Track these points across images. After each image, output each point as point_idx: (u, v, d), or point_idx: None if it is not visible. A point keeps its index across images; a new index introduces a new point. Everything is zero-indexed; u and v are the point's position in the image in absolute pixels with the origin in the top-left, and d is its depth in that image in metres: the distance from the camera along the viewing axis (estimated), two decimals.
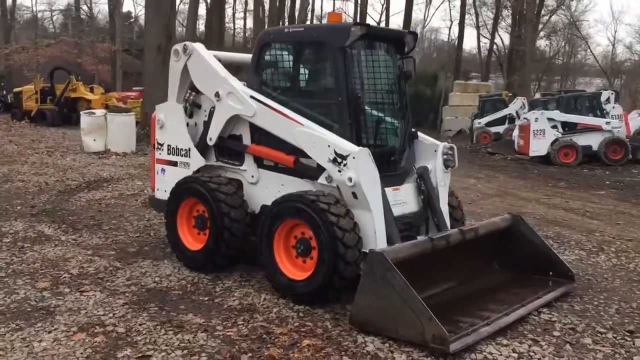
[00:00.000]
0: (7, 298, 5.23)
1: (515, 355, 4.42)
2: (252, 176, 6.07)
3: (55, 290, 5.42)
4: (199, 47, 6.36)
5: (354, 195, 5.23)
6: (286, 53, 5.95)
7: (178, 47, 6.47)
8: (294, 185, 5.71)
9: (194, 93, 6.43)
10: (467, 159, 19.43)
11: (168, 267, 6.16)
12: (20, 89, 25.63)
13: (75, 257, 6.41)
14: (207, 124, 6.30)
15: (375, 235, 5.22)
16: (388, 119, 6.01)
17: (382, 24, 57.92)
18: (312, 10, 52.54)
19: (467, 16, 49.34)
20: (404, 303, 4.42)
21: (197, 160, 6.37)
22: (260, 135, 5.93)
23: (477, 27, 51.26)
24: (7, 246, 6.74)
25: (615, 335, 4.86)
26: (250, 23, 51.96)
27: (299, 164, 5.63)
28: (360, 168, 5.16)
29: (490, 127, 25.91)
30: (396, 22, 61.71)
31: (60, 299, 5.21)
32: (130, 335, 4.52)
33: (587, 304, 5.56)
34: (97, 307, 5.04)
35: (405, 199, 5.83)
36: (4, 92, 31.45)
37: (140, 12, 52.81)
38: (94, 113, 15.40)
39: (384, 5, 57.30)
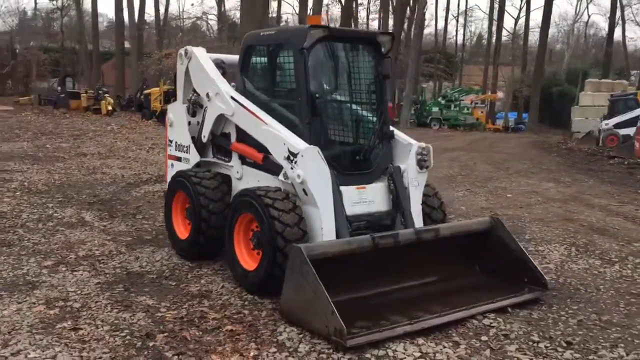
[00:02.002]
0: (11, 272, 6.01)
1: (419, 354, 4.42)
2: (237, 172, 6.44)
3: (53, 269, 6.14)
4: (197, 50, 6.83)
5: (304, 191, 5.42)
6: (263, 55, 6.26)
7: (182, 51, 6.99)
8: (267, 181, 6.00)
9: (195, 94, 6.91)
10: (571, 161, 18.42)
11: (163, 254, 6.70)
12: (149, 90, 28.03)
13: (92, 241, 7.15)
14: (201, 123, 6.76)
15: (322, 231, 5.38)
16: (355, 118, 6.10)
17: (522, 20, 55.78)
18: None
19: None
20: (314, 296, 4.58)
21: (194, 156, 6.86)
22: (240, 133, 6.28)
23: (623, 21, 47.74)
24: (45, 229, 7.66)
25: (548, 345, 4.66)
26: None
27: (267, 160, 5.91)
28: (307, 166, 5.35)
29: (619, 129, 24.19)
30: (535, 18, 58.62)
31: (51, 276, 5.90)
32: (80, 310, 5.07)
33: (550, 312, 5.33)
34: (73, 285, 5.66)
35: (372, 198, 5.90)
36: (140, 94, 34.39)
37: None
38: None
39: (524, 0, 55.16)
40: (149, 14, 53.82)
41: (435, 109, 39.70)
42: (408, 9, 41.06)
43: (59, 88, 34.74)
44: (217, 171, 6.64)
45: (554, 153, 21.37)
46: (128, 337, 4.57)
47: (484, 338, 4.74)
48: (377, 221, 5.85)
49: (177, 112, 7.14)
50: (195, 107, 6.93)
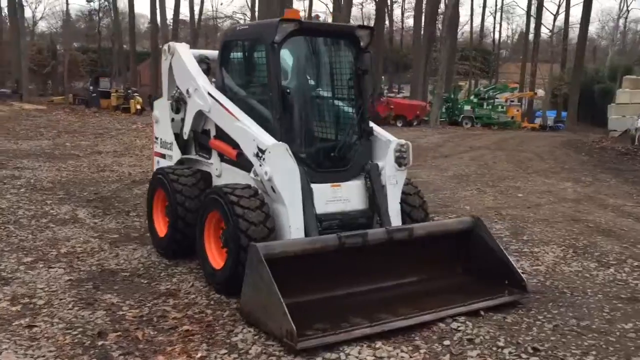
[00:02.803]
0: None
1: (372, 358, 4.25)
2: (216, 169, 6.35)
3: (31, 265, 6.13)
4: (180, 46, 6.77)
5: (273, 189, 5.29)
6: (239, 50, 6.14)
7: (165, 46, 6.94)
8: (243, 178, 5.88)
9: (178, 90, 6.84)
10: (598, 161, 17.84)
11: (144, 252, 6.64)
12: None
13: (77, 238, 7.15)
14: (183, 119, 6.69)
15: (289, 229, 5.25)
16: (331, 114, 5.94)
17: (561, 16, 54.31)
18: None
19: None
20: (269, 297, 4.44)
21: (177, 153, 6.80)
22: (218, 130, 6.19)
23: None
24: (36, 226, 7.70)
25: (513, 351, 4.44)
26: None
27: (240, 157, 5.80)
28: (274, 162, 5.22)
29: None
30: (575, 14, 57.12)
31: (26, 273, 5.89)
32: (42, 308, 5.03)
33: (527, 317, 5.09)
34: (43, 282, 5.63)
35: (347, 196, 5.73)
36: None
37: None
38: None
39: None
40: (184, 14, 54.51)
41: (467, 107, 38.95)
42: (442, 5, 40.48)
43: (91, 87, 35.40)
44: (198, 168, 6.57)
45: (583, 152, 20.74)
46: (79, 335, 4.51)
47: (446, 342, 4.54)
48: (352, 220, 5.69)
49: (162, 108, 7.09)
50: (178, 103, 6.86)
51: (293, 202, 5.26)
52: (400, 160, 5.87)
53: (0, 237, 7.13)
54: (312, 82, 6.02)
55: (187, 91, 6.41)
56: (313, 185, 5.50)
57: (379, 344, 4.46)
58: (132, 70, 49.61)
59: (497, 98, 41.29)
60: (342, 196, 5.71)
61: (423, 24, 41.31)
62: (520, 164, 16.23)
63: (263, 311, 4.57)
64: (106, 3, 55.84)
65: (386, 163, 5.85)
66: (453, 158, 16.87)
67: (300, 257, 4.92)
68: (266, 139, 5.34)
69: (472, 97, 42.13)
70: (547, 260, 6.77)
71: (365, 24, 48.12)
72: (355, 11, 58.56)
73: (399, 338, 4.58)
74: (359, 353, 4.32)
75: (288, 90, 5.55)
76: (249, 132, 5.50)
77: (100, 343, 4.38)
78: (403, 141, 5.96)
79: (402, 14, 62.88)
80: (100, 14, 58.48)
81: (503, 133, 32.59)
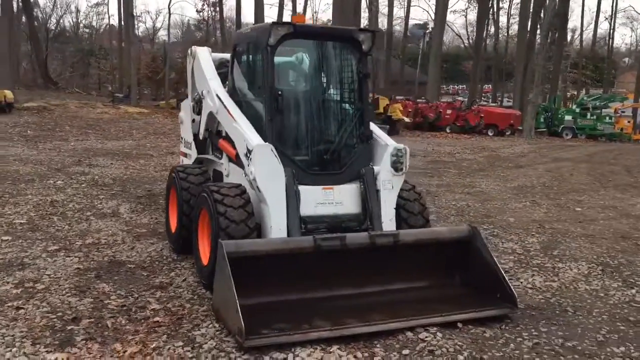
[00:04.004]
0: (15, 254, 6.49)
1: None
2: (225, 169, 6.52)
3: (52, 253, 6.56)
4: (200, 50, 7.01)
5: (258, 188, 5.37)
6: (244, 53, 6.28)
7: (189, 50, 7.21)
8: (243, 178, 6.01)
9: (199, 92, 7.09)
10: None
11: (159, 246, 6.91)
12: None
13: (107, 230, 7.56)
14: (199, 120, 6.92)
15: (271, 229, 5.30)
16: (326, 117, 5.93)
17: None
18: None
19: None
20: (228, 294, 4.52)
21: (194, 153, 7.04)
22: (225, 130, 6.35)
23: None
24: (78, 218, 8.21)
25: None
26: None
27: (238, 158, 5.92)
28: (259, 162, 5.31)
29: None
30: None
31: (44, 260, 6.31)
32: (39, 292, 5.38)
33: (509, 332, 4.85)
34: (54, 269, 6.01)
35: (340, 199, 5.71)
36: None
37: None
38: None
39: None
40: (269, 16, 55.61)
41: (568, 117, 36.99)
42: (542, 12, 38.85)
43: None
44: (214, 168, 6.77)
45: None
46: (55, 319, 4.78)
47: (405, 352, 4.42)
48: (341, 223, 5.64)
49: (185, 110, 7.37)
50: (199, 105, 7.11)
51: (275, 202, 5.32)
52: (396, 165, 5.77)
53: (41, 226, 7.68)
54: (308, 85, 6.04)
55: (202, 93, 6.63)
56: (303, 187, 5.53)
57: (334, 347, 4.42)
58: None
59: (604, 108, 39.03)
60: (334, 199, 5.68)
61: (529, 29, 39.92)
62: (600, 177, 15.28)
63: (224, 308, 4.66)
64: (214, 13, 58.08)
65: (382, 167, 5.76)
66: (527, 169, 16.17)
67: (274, 257, 4.96)
68: (253, 139, 5.43)
69: (574, 107, 40.08)
70: (566, 276, 6.38)
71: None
72: (453, 17, 57.21)
73: (360, 344, 4.51)
74: (308, 355, 4.30)
75: (279, 92, 5.61)
76: (241, 132, 5.62)
77: (69, 328, 4.63)
78: (401, 146, 5.85)
79: (508, 20, 60.89)
80: (207, 23, 60.93)
81: (604, 145, 30.77)
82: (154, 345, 4.38)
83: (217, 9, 52.13)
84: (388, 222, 5.68)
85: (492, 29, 59.83)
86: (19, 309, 4.98)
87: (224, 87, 6.56)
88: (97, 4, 64.27)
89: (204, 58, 6.86)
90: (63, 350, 4.27)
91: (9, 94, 26.49)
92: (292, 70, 6.16)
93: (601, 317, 5.28)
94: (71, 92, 44.68)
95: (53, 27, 62.76)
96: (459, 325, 4.88)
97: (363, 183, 5.72)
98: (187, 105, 7.32)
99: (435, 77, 38.17)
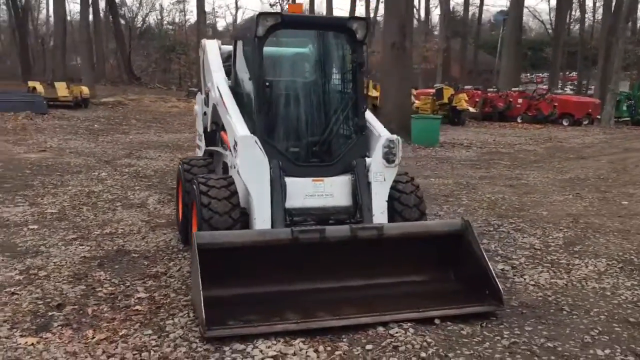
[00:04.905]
0: (34, 242, 6.80)
1: (274, 353, 4.18)
2: (230, 161, 6.57)
3: (68, 242, 6.84)
4: (209, 43, 7.10)
5: (242, 180, 5.39)
6: (241, 45, 6.28)
7: (200, 43, 7.31)
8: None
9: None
10: None
11: (169, 237, 7.07)
12: None
13: (127, 220, 7.81)
14: (208, 113, 7.01)
15: (255, 221, 5.31)
16: (318, 108, 5.85)
17: None
18: None
19: None
20: (195, 284, 4.57)
21: (203, 145, 7.14)
22: None
23: None
24: (107, 208, 8.52)
25: None
26: None
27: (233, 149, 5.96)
28: (242, 154, 5.33)
29: None
30: None
31: (58, 248, 6.59)
32: (39, 279, 5.61)
33: (488, 330, 4.66)
34: (62, 257, 6.26)
35: (330, 191, 5.64)
36: None
37: None
38: None
39: None
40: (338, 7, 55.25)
41: None
42: None
43: None
44: (222, 160, 6.84)
45: None
46: (41, 305, 4.98)
47: (369, 347, 4.31)
48: (330, 216, 5.58)
49: (198, 103, 7.48)
50: (208, 97, 7.20)
51: (259, 194, 5.32)
52: (388, 157, 5.63)
53: (69, 216, 8.02)
54: (299, 76, 5.98)
55: (208, 86, 6.71)
56: (292, 179, 5.51)
57: (297, 340, 4.37)
58: None
59: None
60: (324, 191, 5.62)
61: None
62: None
63: (194, 298, 4.71)
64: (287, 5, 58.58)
65: (373, 159, 5.64)
66: (589, 160, 15.38)
67: (251, 249, 4.96)
68: (240, 131, 5.44)
69: None
70: (578, 274, 6.03)
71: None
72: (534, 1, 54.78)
73: (325, 338, 4.44)
74: (268, 347, 4.28)
75: (267, 84, 5.59)
76: (231, 124, 5.65)
77: (51, 314, 4.81)
78: (393, 137, 5.70)
79: (594, 3, 57.93)
80: None
81: None
82: (122, 332, 4.48)
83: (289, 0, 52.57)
84: (379, 214, 5.57)
85: (578, 13, 57.25)
86: (13, 294, 5.21)
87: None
88: (178, 2, 66.17)
89: (212, 51, 6.94)
90: (37, 335, 4.44)
91: (85, 89, 27.78)
92: (290, 61, 6.10)
93: (598, 317, 4.97)
94: (152, 88, 46.29)
95: (139, 25, 65.43)
96: (436, 321, 4.72)
97: (354, 175, 5.61)
98: (199, 98, 7.44)
99: (509, 65, 36.88)
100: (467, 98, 26.99)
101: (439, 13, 46.18)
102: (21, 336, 4.41)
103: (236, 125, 5.56)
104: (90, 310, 4.91)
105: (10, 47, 56.55)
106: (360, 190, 5.55)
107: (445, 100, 26.48)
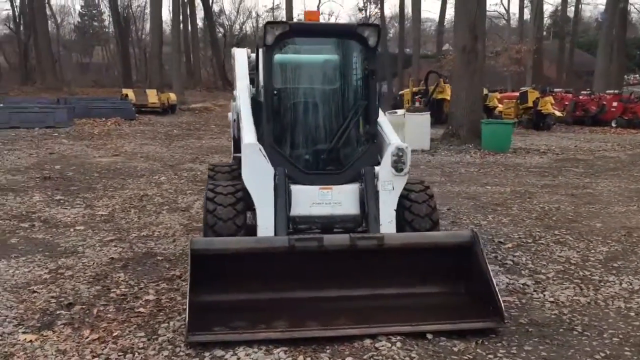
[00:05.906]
0: (77, 242, 7.15)
1: None
2: None
3: (105, 243, 7.14)
4: (237, 51, 7.21)
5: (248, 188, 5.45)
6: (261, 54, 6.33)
7: (231, 51, 7.45)
8: None
9: None
10: None
11: None
12: (403, 91, 28.62)
13: (166, 224, 8.07)
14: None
15: (258, 228, 5.35)
16: (327, 116, 5.80)
17: None
18: None
19: None
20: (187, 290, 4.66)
21: (232, 151, 7.27)
22: None
23: None
24: (152, 211, 8.85)
25: None
26: None
27: None
28: (247, 161, 5.38)
29: None
30: None
31: (93, 249, 6.89)
32: (63, 278, 5.90)
33: (482, 348, 4.45)
34: (92, 258, 6.54)
35: (338, 199, 5.58)
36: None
37: None
38: (395, 112, 16.76)
39: None
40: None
41: None
42: None
43: None
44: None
45: None
46: (53, 303, 5.24)
47: (348, 359, 4.22)
48: (336, 224, 5.52)
49: (232, 110, 7.62)
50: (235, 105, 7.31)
51: (262, 201, 5.34)
52: (397, 165, 5.50)
53: (116, 218, 8.40)
54: (311, 83, 5.94)
55: (234, 93, 6.83)
56: (298, 187, 5.50)
57: (279, 349, 4.35)
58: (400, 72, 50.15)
59: None
60: (332, 199, 5.56)
61: None
62: None
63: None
64: (376, 10, 58.15)
65: (382, 167, 5.53)
66: None
67: (247, 256, 5.00)
68: (246, 138, 5.49)
69: None
70: (606, 292, 5.63)
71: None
72: None
73: (309, 348, 4.39)
74: (247, 355, 4.28)
75: (275, 92, 5.61)
76: (242, 132, 5.72)
77: (59, 312, 5.06)
78: (403, 145, 5.56)
79: None
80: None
81: None
82: (116, 333, 4.63)
83: (379, 5, 52.19)
84: (387, 224, 5.44)
85: None
86: (34, 292, 5.52)
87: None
88: (272, 9, 67.62)
89: (239, 60, 7.05)
90: (38, 332, 4.68)
91: (172, 96, 29.00)
92: (302, 68, 6.09)
93: (610, 340, 4.61)
94: None
95: (237, 33, 67.59)
96: (429, 336, 4.56)
97: (362, 183, 5.53)
98: (232, 105, 7.57)
99: (605, 66, 35.06)
100: (553, 101, 25.86)
101: (530, 12, 44.56)
102: (23, 333, 4.66)
103: (246, 133, 5.62)
104: (95, 310, 5.10)
105: (117, 57, 60.01)
106: (368, 199, 5.46)
107: (530, 103, 25.52)
